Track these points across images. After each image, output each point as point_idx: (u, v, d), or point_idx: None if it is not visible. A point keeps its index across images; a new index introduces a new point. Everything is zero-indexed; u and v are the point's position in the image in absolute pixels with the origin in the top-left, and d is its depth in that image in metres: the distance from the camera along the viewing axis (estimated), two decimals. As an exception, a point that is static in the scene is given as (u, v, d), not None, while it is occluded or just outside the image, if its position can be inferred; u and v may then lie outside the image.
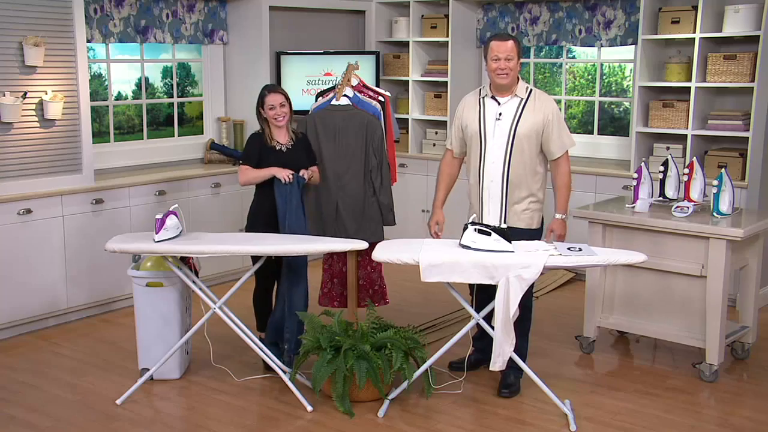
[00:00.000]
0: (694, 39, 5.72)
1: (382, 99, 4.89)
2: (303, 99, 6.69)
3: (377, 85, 6.54)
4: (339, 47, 7.20)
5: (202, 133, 6.71)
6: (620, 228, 4.66)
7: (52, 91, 5.17)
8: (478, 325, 4.20)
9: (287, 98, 4.45)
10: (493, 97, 4.28)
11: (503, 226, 4.18)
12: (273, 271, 4.51)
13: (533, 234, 4.28)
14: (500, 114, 4.24)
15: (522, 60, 4.29)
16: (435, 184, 4.58)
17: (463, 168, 4.52)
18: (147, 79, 6.37)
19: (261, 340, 4.56)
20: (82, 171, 5.39)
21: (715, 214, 4.50)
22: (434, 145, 7.08)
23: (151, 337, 4.40)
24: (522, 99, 4.24)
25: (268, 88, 4.47)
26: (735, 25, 5.59)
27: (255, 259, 4.39)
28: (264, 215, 4.45)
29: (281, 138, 4.46)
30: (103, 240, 4.53)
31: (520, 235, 4.20)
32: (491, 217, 4.28)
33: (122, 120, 6.33)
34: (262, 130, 4.47)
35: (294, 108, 6.49)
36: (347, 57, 6.08)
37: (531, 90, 4.28)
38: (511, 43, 4.15)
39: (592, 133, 6.77)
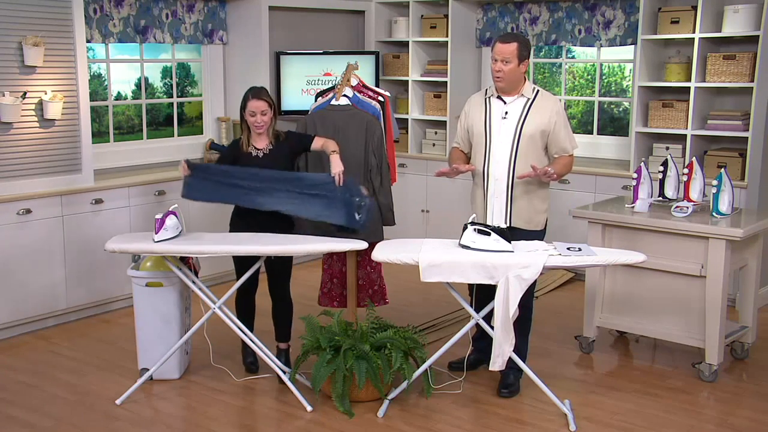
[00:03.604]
0: (693, 39, 5.72)
1: (382, 99, 4.88)
2: (302, 99, 6.70)
3: (377, 85, 6.54)
4: (338, 47, 7.20)
5: (202, 133, 6.72)
6: (620, 228, 4.66)
7: (52, 91, 5.17)
8: (477, 325, 4.20)
9: (270, 104, 4.29)
10: (498, 97, 4.27)
11: (505, 226, 4.18)
12: (254, 273, 4.43)
13: (537, 236, 4.27)
14: (506, 113, 4.24)
15: (528, 60, 4.24)
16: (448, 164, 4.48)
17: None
18: (146, 79, 6.37)
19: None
20: (81, 171, 5.39)
21: (714, 214, 4.50)
22: (434, 145, 7.08)
23: (151, 337, 4.40)
24: (528, 99, 4.23)
25: (253, 92, 4.30)
26: (734, 25, 5.59)
27: (238, 263, 4.38)
28: (239, 214, 4.42)
29: (259, 143, 4.34)
30: (103, 240, 4.53)
31: (524, 236, 4.19)
32: (495, 217, 4.28)
33: (122, 120, 6.33)
34: (242, 132, 4.39)
35: (294, 108, 6.45)
36: (347, 57, 6.08)
37: (538, 90, 4.27)
38: (512, 46, 4.12)
39: (592, 133, 6.77)
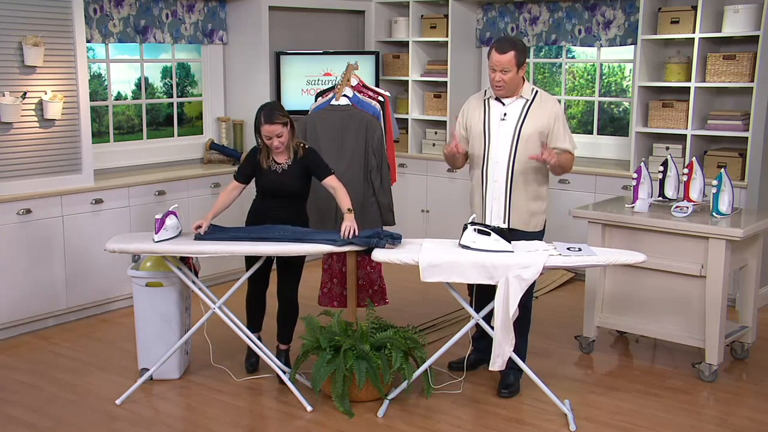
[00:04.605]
0: (693, 39, 5.72)
1: (382, 99, 4.89)
2: (303, 99, 6.70)
3: (377, 85, 6.54)
4: (338, 47, 7.20)
5: (202, 133, 6.72)
6: (620, 228, 4.66)
7: (52, 91, 5.17)
8: (477, 325, 4.20)
9: (285, 123, 4.16)
10: (497, 99, 4.27)
11: (504, 226, 4.17)
12: (265, 271, 4.45)
13: (536, 237, 4.27)
14: (505, 114, 4.23)
15: (527, 61, 4.23)
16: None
17: (466, 167, 4.52)
18: (146, 79, 6.37)
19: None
20: (81, 171, 5.39)
21: (714, 214, 4.50)
22: (434, 145, 7.08)
23: (151, 337, 4.40)
24: (527, 100, 4.23)
25: (265, 115, 4.15)
26: (734, 25, 5.59)
27: (249, 262, 4.38)
28: (252, 222, 4.40)
29: (279, 158, 4.27)
30: (103, 240, 4.53)
31: (523, 237, 4.19)
32: (494, 218, 4.27)
33: (122, 120, 6.33)
34: (260, 147, 4.30)
35: (294, 108, 6.45)
36: (347, 57, 6.08)
37: (536, 92, 4.26)
38: (509, 55, 4.10)
39: (592, 133, 6.77)
